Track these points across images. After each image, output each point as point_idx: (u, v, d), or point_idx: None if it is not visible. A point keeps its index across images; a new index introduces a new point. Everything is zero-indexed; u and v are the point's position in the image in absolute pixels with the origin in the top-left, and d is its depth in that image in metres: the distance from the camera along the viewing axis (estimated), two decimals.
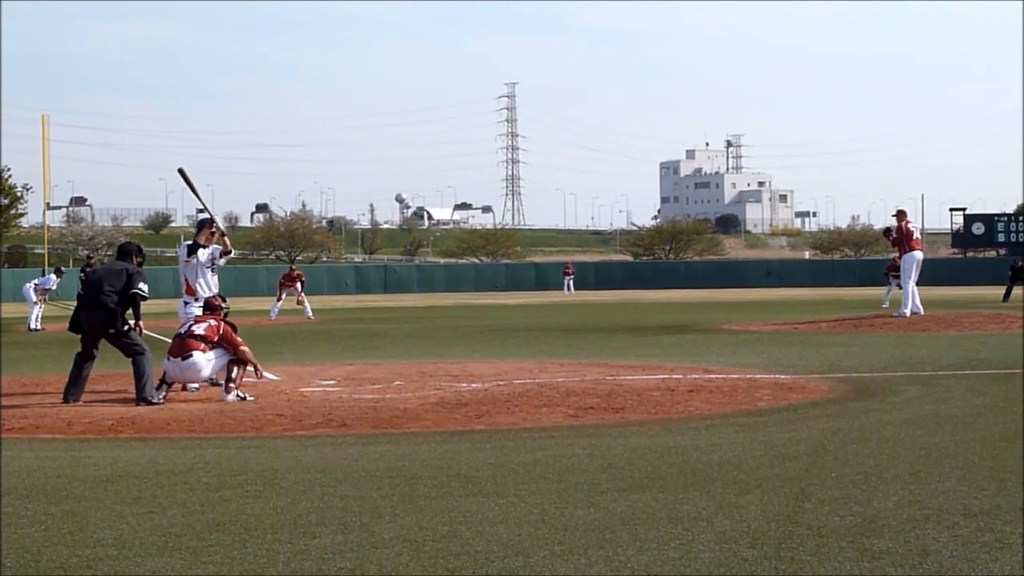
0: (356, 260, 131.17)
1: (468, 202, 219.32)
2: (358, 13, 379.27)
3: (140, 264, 15.96)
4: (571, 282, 77.01)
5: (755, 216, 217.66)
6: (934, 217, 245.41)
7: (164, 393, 15.11)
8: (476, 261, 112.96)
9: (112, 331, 15.30)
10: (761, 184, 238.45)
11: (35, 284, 38.90)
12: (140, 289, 15.40)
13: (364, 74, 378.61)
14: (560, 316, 39.61)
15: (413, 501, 8.51)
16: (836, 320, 31.22)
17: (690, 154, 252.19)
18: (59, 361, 20.27)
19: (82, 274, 44.84)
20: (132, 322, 15.44)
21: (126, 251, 16.02)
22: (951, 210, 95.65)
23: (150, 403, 14.67)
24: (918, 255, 29.62)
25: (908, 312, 29.21)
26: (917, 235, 30.44)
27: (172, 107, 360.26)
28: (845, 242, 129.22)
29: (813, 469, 9.53)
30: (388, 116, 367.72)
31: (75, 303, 15.91)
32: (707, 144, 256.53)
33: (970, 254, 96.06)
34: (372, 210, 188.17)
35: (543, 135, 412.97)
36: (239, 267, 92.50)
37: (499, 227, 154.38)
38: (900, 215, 30.18)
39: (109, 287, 15.32)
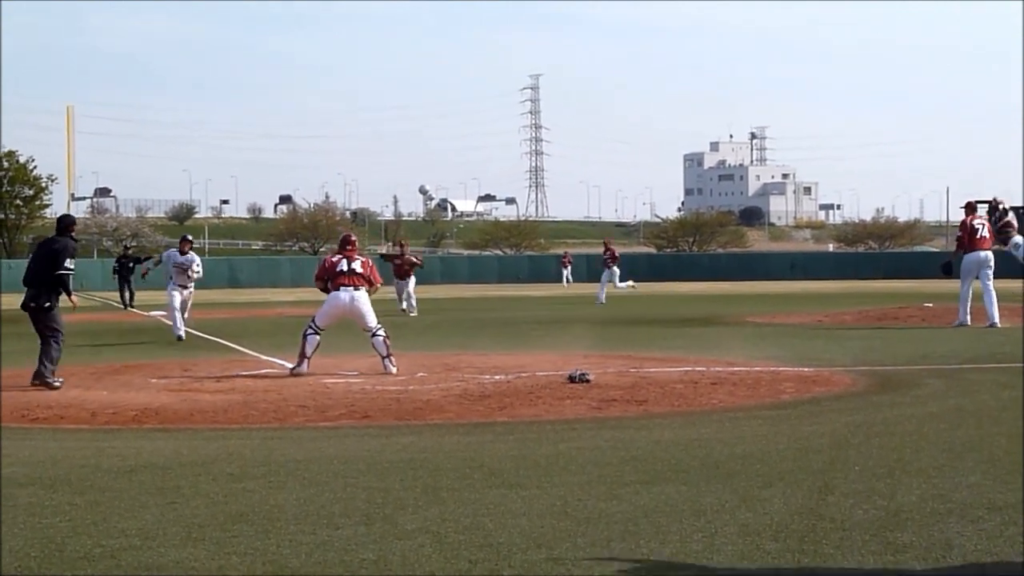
0: (380, 252, 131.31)
1: (492, 194, 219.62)
2: (381, 6, 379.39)
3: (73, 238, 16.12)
4: (569, 274, 75.30)
5: (779, 208, 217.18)
6: (960, 210, 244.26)
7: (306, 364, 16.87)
8: (499, 253, 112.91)
9: (33, 305, 15.53)
10: (785, 176, 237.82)
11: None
12: (67, 268, 15.54)
13: (387, 66, 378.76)
14: (583, 308, 39.57)
15: (436, 493, 8.52)
16: (860, 313, 31.14)
17: (714, 146, 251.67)
18: (80, 352, 20.35)
19: (116, 264, 45.14)
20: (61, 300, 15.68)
21: (64, 224, 16.14)
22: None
23: (51, 387, 14.96)
24: (983, 255, 25.96)
25: (964, 320, 25.24)
26: (984, 233, 26.35)
27: (196, 99, 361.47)
28: (869, 235, 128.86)
29: (836, 462, 9.51)
30: (411, 108, 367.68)
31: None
32: (731, 136, 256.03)
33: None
34: (396, 202, 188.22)
35: (567, 127, 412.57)
36: (262, 258, 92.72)
37: (523, 219, 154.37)
38: (968, 208, 27.24)
39: (36, 265, 15.60)
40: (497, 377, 16.01)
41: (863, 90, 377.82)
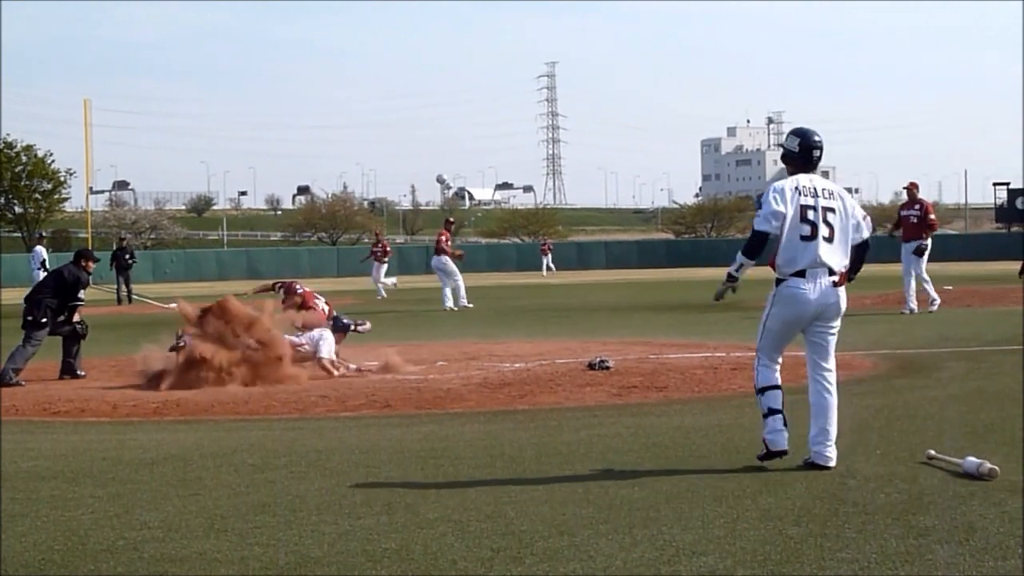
0: (398, 241, 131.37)
1: (509, 182, 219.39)
2: None
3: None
4: (549, 261, 73.51)
5: None
6: (977, 191, 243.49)
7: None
8: (518, 241, 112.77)
9: (30, 319, 16.27)
10: None
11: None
12: (79, 299, 16.59)
13: (404, 56, 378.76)
14: (603, 295, 39.53)
15: (457, 481, 8.52)
16: (880, 296, 31.04)
17: (731, 131, 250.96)
18: (100, 345, 20.40)
19: (112, 257, 43.85)
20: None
21: (81, 257, 16.97)
22: (994, 184, 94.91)
23: (7, 384, 15.27)
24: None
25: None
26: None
27: (214, 90, 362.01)
28: (888, 218, 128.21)
29: (858, 446, 9.50)
30: (429, 97, 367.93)
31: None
32: (748, 121, 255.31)
33: (1014, 228, 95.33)
34: (413, 191, 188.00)
35: (583, 114, 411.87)
36: (281, 249, 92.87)
37: (540, 206, 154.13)
38: (913, 188, 25.44)
39: (47, 288, 16.67)
40: (517, 365, 16.00)
41: (880, 73, 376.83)
